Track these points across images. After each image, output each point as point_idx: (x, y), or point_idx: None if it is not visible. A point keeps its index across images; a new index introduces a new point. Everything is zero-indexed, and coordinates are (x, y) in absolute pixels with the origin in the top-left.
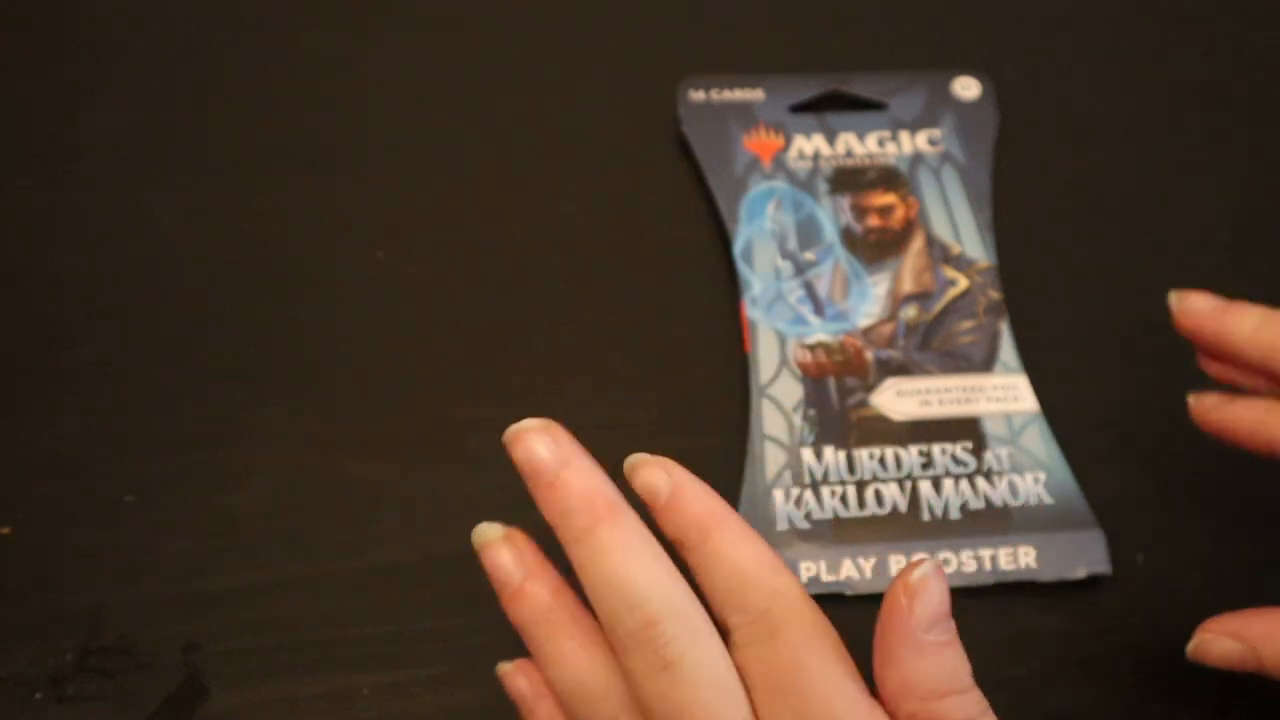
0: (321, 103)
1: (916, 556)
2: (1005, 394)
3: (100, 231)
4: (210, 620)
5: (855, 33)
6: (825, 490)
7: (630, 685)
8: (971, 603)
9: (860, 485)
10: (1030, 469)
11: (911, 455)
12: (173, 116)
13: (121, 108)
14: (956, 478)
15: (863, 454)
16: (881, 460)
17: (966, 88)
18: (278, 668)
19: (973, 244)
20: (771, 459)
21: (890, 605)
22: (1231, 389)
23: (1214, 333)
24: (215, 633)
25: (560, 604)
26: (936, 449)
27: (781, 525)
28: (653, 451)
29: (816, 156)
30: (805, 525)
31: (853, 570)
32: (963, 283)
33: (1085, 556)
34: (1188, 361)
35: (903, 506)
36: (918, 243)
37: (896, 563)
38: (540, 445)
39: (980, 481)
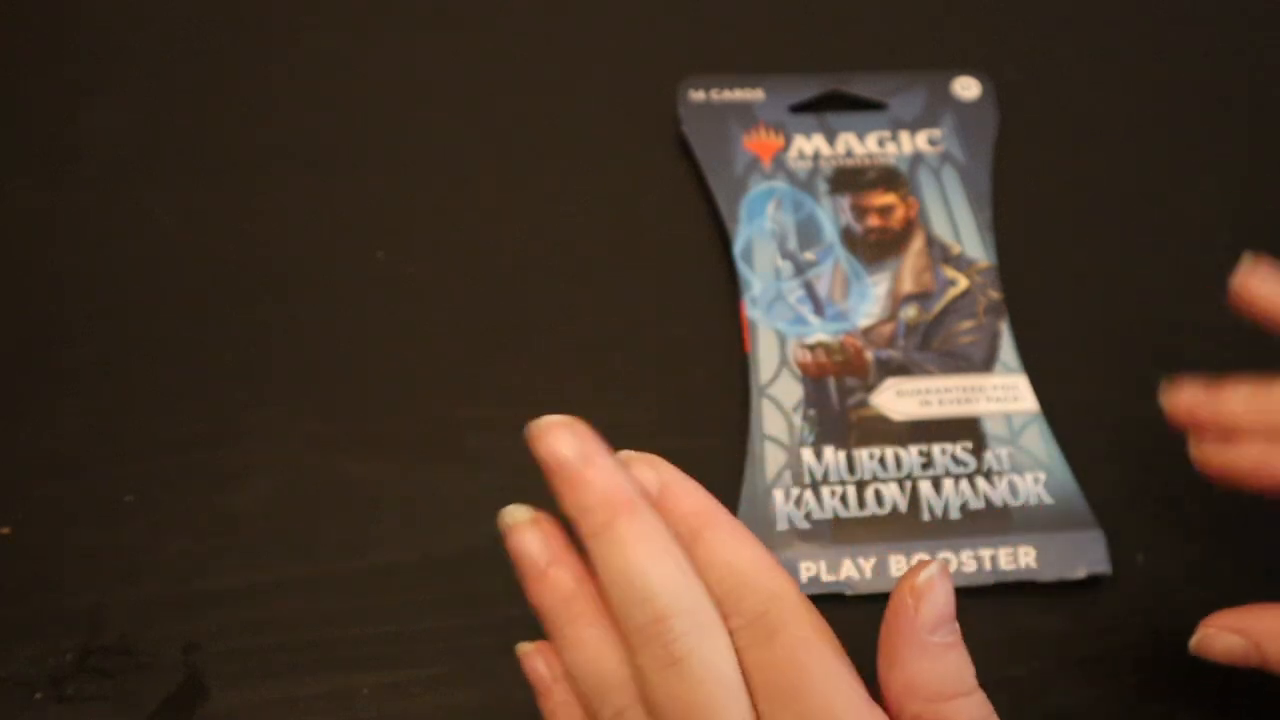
0: (321, 103)
1: (917, 557)
2: (1005, 394)
3: (100, 231)
4: (210, 620)
5: (855, 33)
6: (825, 490)
7: (638, 679)
8: (971, 603)
9: (860, 485)
10: (1030, 469)
11: (911, 455)
12: (173, 116)
13: (121, 108)
14: (956, 478)
15: (863, 454)
16: (881, 460)
17: (966, 88)
18: (278, 668)
19: (973, 244)
20: (771, 459)
21: (896, 606)
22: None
23: (1211, 414)
24: (215, 633)
25: (583, 591)
26: (936, 449)
27: (781, 525)
28: (652, 452)
29: (816, 156)
30: (805, 525)
31: (853, 570)
32: (963, 283)
33: (1085, 556)
34: (1187, 362)
35: (903, 506)
36: (918, 243)
37: (896, 563)
38: (563, 441)
39: (980, 481)
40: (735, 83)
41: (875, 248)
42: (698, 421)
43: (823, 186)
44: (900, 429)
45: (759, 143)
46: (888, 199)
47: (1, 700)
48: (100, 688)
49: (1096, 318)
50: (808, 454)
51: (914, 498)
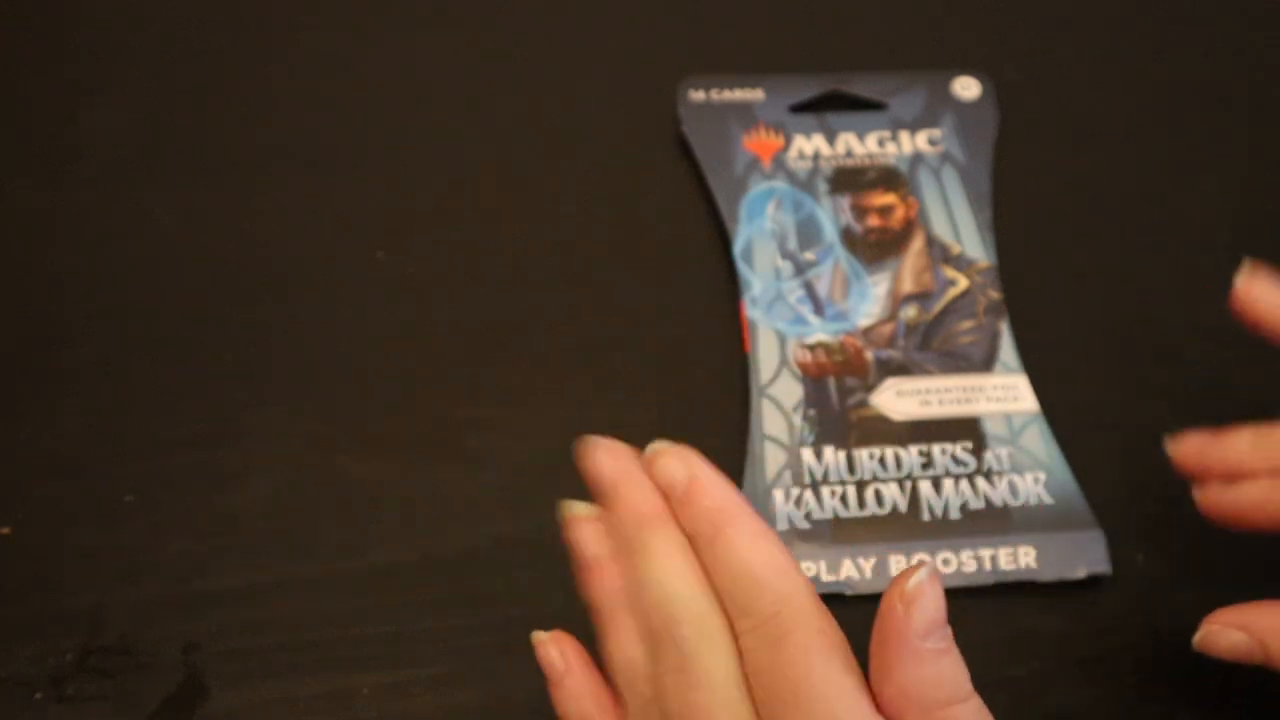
0: (321, 103)
1: (917, 557)
2: (1005, 394)
3: (100, 231)
4: (210, 620)
5: (855, 33)
6: (825, 490)
7: (654, 678)
8: (971, 603)
9: (860, 485)
10: (1030, 469)
11: (911, 455)
12: (173, 116)
13: (121, 108)
14: (956, 478)
15: (863, 454)
16: (881, 460)
17: (966, 88)
18: (278, 668)
19: (973, 244)
20: (771, 459)
21: (886, 613)
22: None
23: (1219, 459)
24: (215, 633)
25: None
26: (936, 449)
27: (781, 525)
28: None
29: (816, 156)
30: (805, 525)
31: (853, 570)
32: (963, 283)
33: (1085, 556)
34: (1187, 362)
35: (903, 506)
36: (918, 243)
37: (896, 563)
38: (601, 462)
39: (980, 481)
40: (735, 83)
41: (875, 248)
42: (698, 421)
43: (823, 186)
44: (900, 429)
45: (759, 143)
46: (888, 199)
47: (1, 700)
48: (100, 688)
49: (1096, 318)
50: (808, 454)
51: (914, 498)
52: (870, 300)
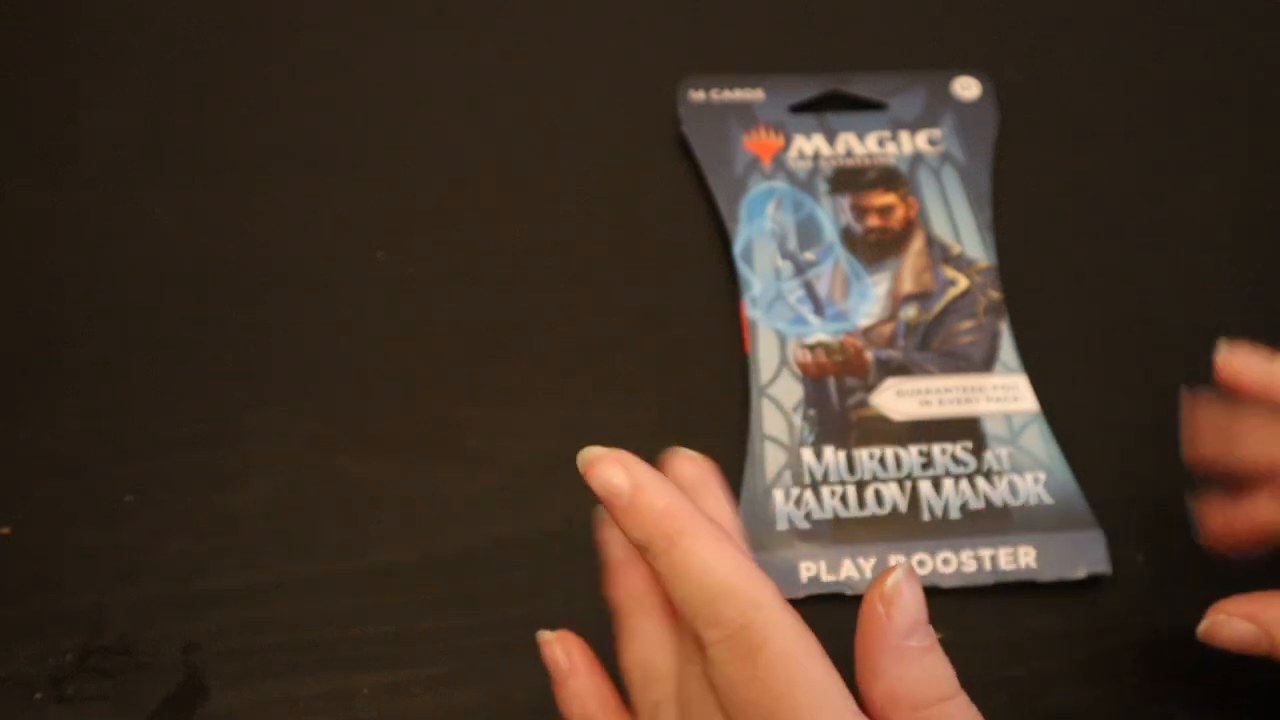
0: (321, 103)
1: (918, 557)
2: (1005, 394)
3: (100, 231)
4: (210, 620)
5: (855, 33)
6: (825, 490)
7: (693, 671)
8: (971, 603)
9: (860, 485)
10: (1030, 469)
11: (911, 455)
12: (173, 116)
13: (121, 108)
14: (956, 478)
15: (863, 454)
16: (881, 460)
17: (966, 88)
18: (278, 668)
19: (973, 244)
20: (771, 459)
21: (867, 615)
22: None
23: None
24: (215, 633)
25: (654, 589)
26: (936, 449)
27: (781, 525)
28: (653, 452)
29: (816, 156)
30: (805, 525)
31: (853, 570)
32: (963, 283)
33: (1085, 556)
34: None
35: (903, 506)
36: (918, 243)
37: (896, 563)
38: (614, 473)
39: (980, 481)
40: (735, 83)
41: (875, 248)
42: (698, 421)
43: (823, 186)
44: (900, 429)
45: (759, 143)
46: (888, 199)
47: (1, 700)
48: (100, 688)
49: (1096, 318)
50: (808, 454)
51: (914, 498)
52: (870, 300)
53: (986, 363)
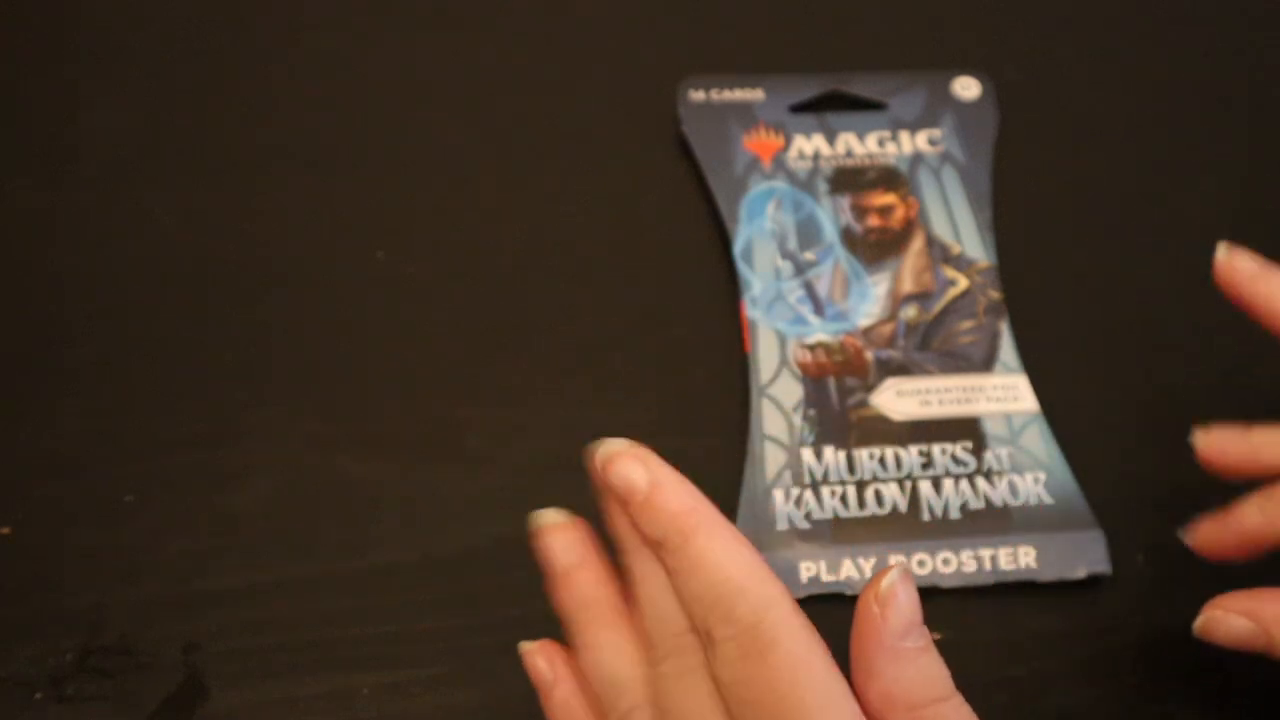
0: (321, 103)
1: (918, 557)
2: (1005, 394)
3: (100, 231)
4: (210, 620)
5: (855, 33)
6: (825, 490)
7: (654, 687)
8: (971, 603)
9: (860, 485)
10: (1030, 469)
11: (911, 455)
12: (173, 116)
13: (121, 108)
14: (956, 478)
15: (863, 454)
16: (881, 460)
17: (966, 88)
18: (278, 668)
19: (973, 244)
20: (771, 459)
21: (862, 616)
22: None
23: (1236, 535)
24: (215, 633)
25: (603, 595)
26: (936, 449)
27: (781, 525)
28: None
29: (816, 156)
30: (805, 525)
31: (853, 570)
32: (963, 283)
33: (1085, 556)
34: (1187, 361)
35: (903, 506)
36: (918, 243)
37: (896, 562)
38: (633, 470)
39: (980, 481)
40: (735, 83)
41: (875, 248)
42: (698, 421)
43: (823, 186)
44: (900, 429)
45: (759, 143)
46: (888, 199)
47: (1, 700)
48: (100, 688)
49: (1096, 318)
50: (808, 454)
51: (914, 498)
52: (870, 300)
53: (986, 363)
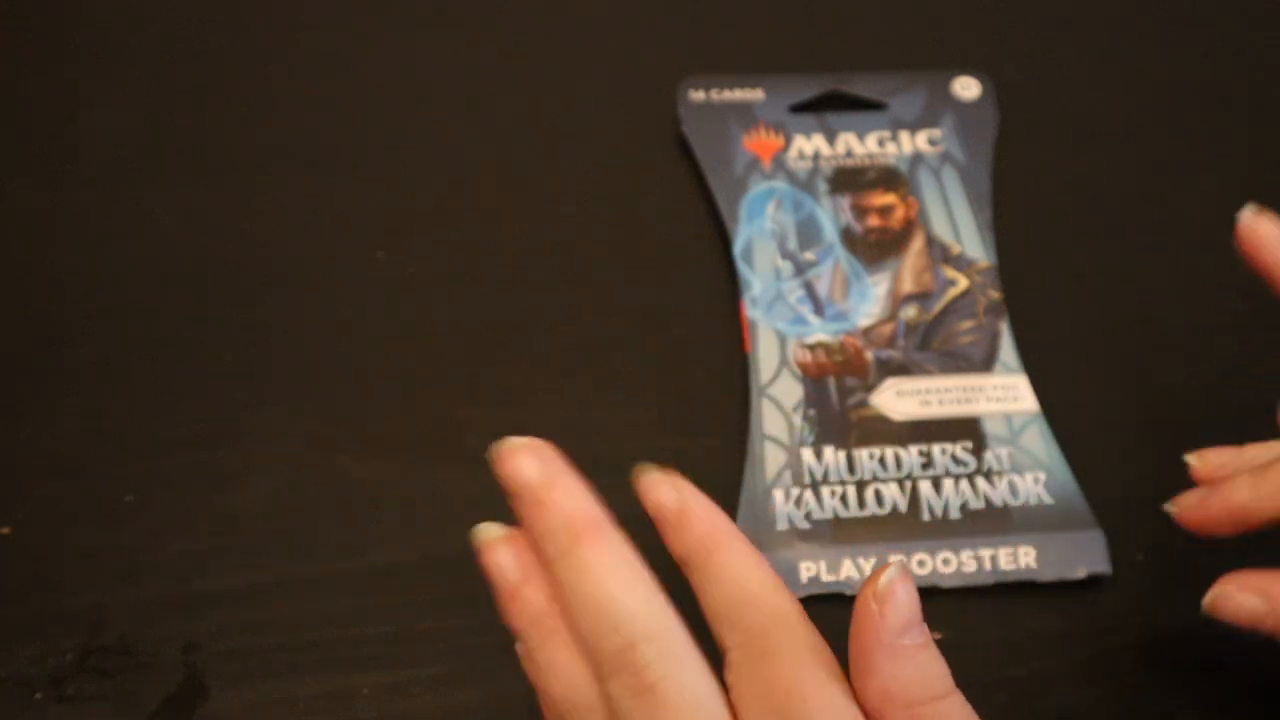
0: (321, 103)
1: (918, 557)
2: (1005, 394)
3: (100, 231)
4: (210, 620)
5: (855, 33)
6: (825, 490)
7: (608, 707)
8: (971, 603)
9: (860, 485)
10: (1030, 469)
11: (911, 455)
12: (173, 116)
13: (121, 108)
14: (956, 478)
15: (863, 454)
16: (881, 460)
17: (966, 88)
18: (278, 668)
19: (973, 244)
20: (771, 459)
21: (861, 613)
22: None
23: (1221, 509)
24: (215, 633)
25: (554, 610)
26: (936, 449)
27: (781, 525)
28: (653, 452)
29: (816, 156)
30: (805, 525)
31: (853, 570)
32: (963, 283)
33: (1085, 556)
34: (1187, 361)
35: (903, 506)
36: (918, 243)
37: (895, 560)
38: (526, 464)
39: (980, 481)
40: (735, 83)
41: (875, 248)
42: (698, 421)
43: (823, 186)
44: (900, 429)
45: (759, 143)
46: (888, 199)
47: (1, 700)
48: (100, 688)
49: (1096, 318)
50: (808, 454)
51: (914, 498)
52: (870, 300)
53: (986, 363)
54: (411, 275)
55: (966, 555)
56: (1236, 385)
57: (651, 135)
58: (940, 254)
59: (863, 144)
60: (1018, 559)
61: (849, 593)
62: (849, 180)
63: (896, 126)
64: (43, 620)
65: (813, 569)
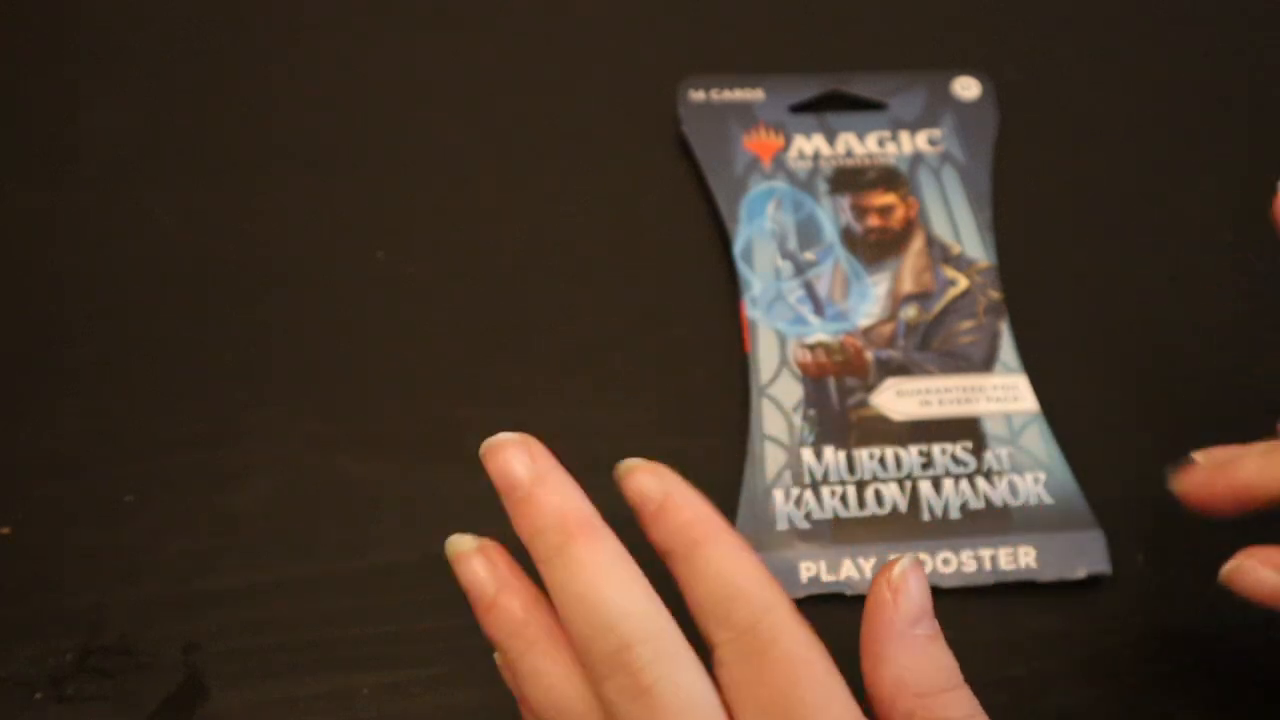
0: (321, 103)
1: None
2: (1005, 394)
3: (100, 231)
4: (210, 620)
5: (855, 33)
6: (825, 490)
7: (605, 709)
8: (971, 603)
9: (860, 485)
10: (1030, 469)
11: (911, 455)
12: (173, 116)
13: (121, 108)
14: (956, 478)
15: (863, 454)
16: (881, 460)
17: (966, 88)
18: (278, 668)
19: (973, 244)
20: (771, 459)
21: (874, 603)
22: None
23: (1227, 487)
24: (215, 633)
25: (534, 618)
26: (936, 449)
27: (781, 525)
28: (653, 452)
29: (816, 156)
30: (805, 525)
31: (853, 570)
32: (963, 283)
33: (1085, 556)
34: (1187, 361)
35: (903, 506)
36: (918, 243)
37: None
38: (516, 460)
39: (980, 481)
40: (735, 83)
41: (875, 248)
42: (698, 421)
43: (823, 186)
44: (900, 429)
45: (759, 143)
46: (888, 199)
47: (1, 700)
48: (100, 688)
49: (1096, 318)
50: (808, 454)
51: (914, 498)
52: (870, 300)
53: (986, 363)
54: (411, 275)
55: (966, 555)
56: (1236, 385)
57: (651, 135)
58: (940, 254)
59: (863, 144)
60: (1018, 559)
61: (849, 593)
62: (849, 180)
63: (896, 126)
64: (43, 620)
65: (813, 569)
